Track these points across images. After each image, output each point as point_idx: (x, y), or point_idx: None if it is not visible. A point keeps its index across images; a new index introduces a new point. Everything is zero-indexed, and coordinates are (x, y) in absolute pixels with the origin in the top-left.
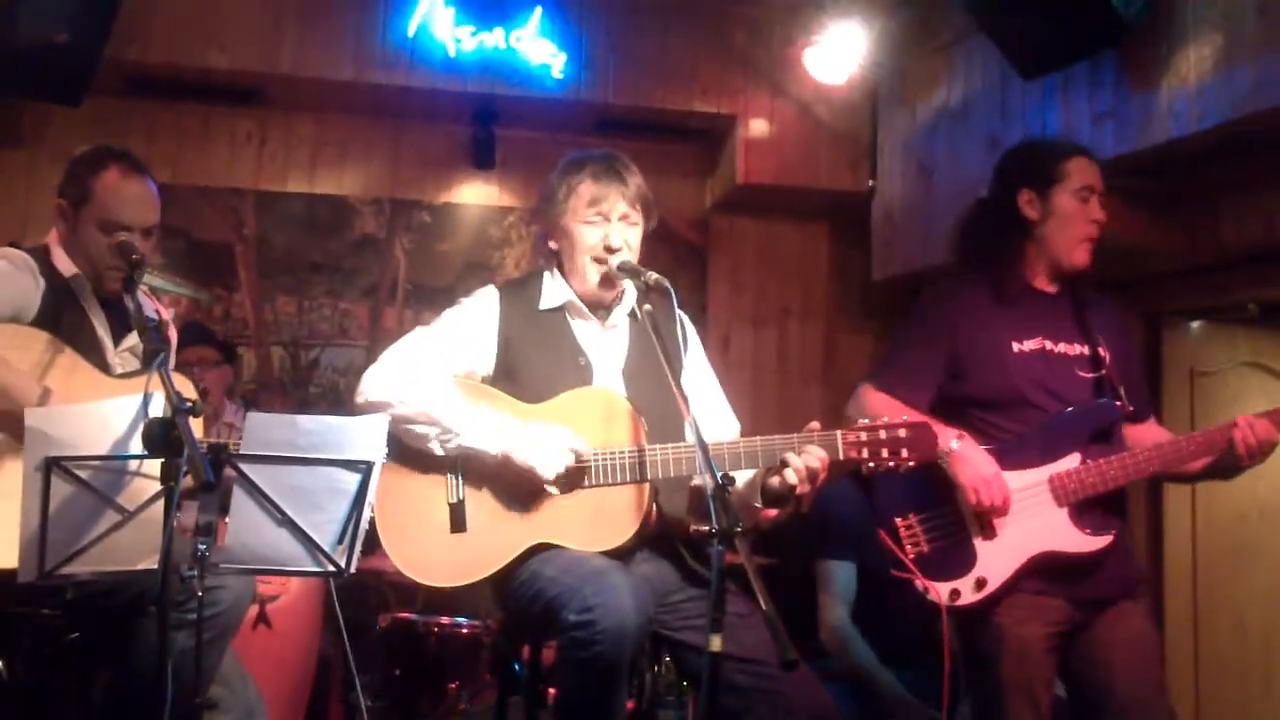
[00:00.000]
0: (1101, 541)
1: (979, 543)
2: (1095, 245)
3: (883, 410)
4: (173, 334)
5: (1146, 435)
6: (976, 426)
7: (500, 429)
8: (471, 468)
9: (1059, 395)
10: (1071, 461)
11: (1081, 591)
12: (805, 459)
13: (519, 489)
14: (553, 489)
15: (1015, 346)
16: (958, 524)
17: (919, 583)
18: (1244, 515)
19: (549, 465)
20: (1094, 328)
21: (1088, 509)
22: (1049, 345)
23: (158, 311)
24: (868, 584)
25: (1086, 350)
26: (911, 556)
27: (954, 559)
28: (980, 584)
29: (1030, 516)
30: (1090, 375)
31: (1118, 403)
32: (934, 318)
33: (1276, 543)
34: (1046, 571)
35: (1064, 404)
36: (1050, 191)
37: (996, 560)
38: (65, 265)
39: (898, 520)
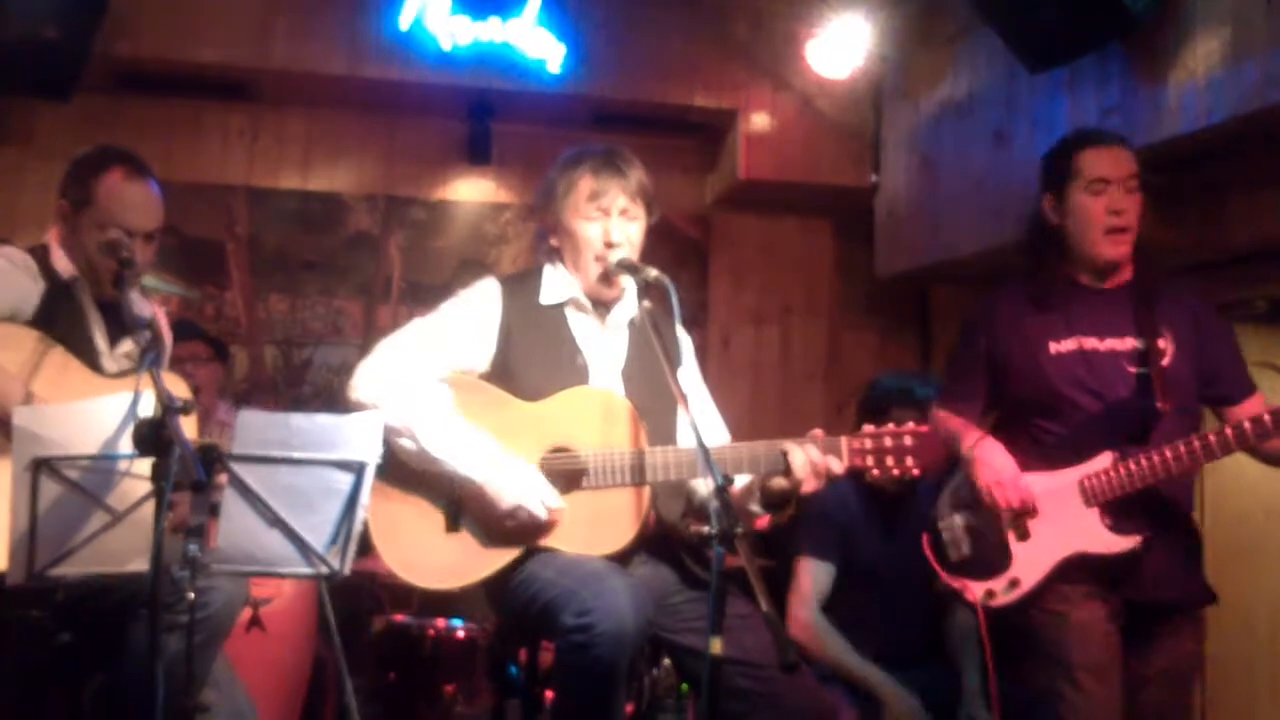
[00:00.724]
0: (1128, 543)
1: (1014, 544)
2: (1124, 234)
3: (938, 423)
4: (167, 334)
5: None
6: (1031, 433)
7: (484, 460)
8: None
9: (1100, 394)
10: (1103, 461)
11: (1127, 594)
12: (810, 453)
13: None
14: (516, 533)
15: (1052, 348)
16: (995, 526)
17: (955, 583)
18: (1250, 516)
19: (518, 512)
20: (1160, 320)
21: (1121, 509)
22: (1091, 343)
23: (157, 315)
24: (856, 586)
25: (1139, 344)
26: (953, 559)
27: (991, 560)
28: (1014, 584)
29: (1062, 517)
30: (1138, 370)
31: (1158, 403)
32: (974, 330)
33: None
34: (1094, 574)
35: (1105, 401)
36: (1065, 192)
37: (1030, 561)
38: (65, 266)
39: (940, 524)
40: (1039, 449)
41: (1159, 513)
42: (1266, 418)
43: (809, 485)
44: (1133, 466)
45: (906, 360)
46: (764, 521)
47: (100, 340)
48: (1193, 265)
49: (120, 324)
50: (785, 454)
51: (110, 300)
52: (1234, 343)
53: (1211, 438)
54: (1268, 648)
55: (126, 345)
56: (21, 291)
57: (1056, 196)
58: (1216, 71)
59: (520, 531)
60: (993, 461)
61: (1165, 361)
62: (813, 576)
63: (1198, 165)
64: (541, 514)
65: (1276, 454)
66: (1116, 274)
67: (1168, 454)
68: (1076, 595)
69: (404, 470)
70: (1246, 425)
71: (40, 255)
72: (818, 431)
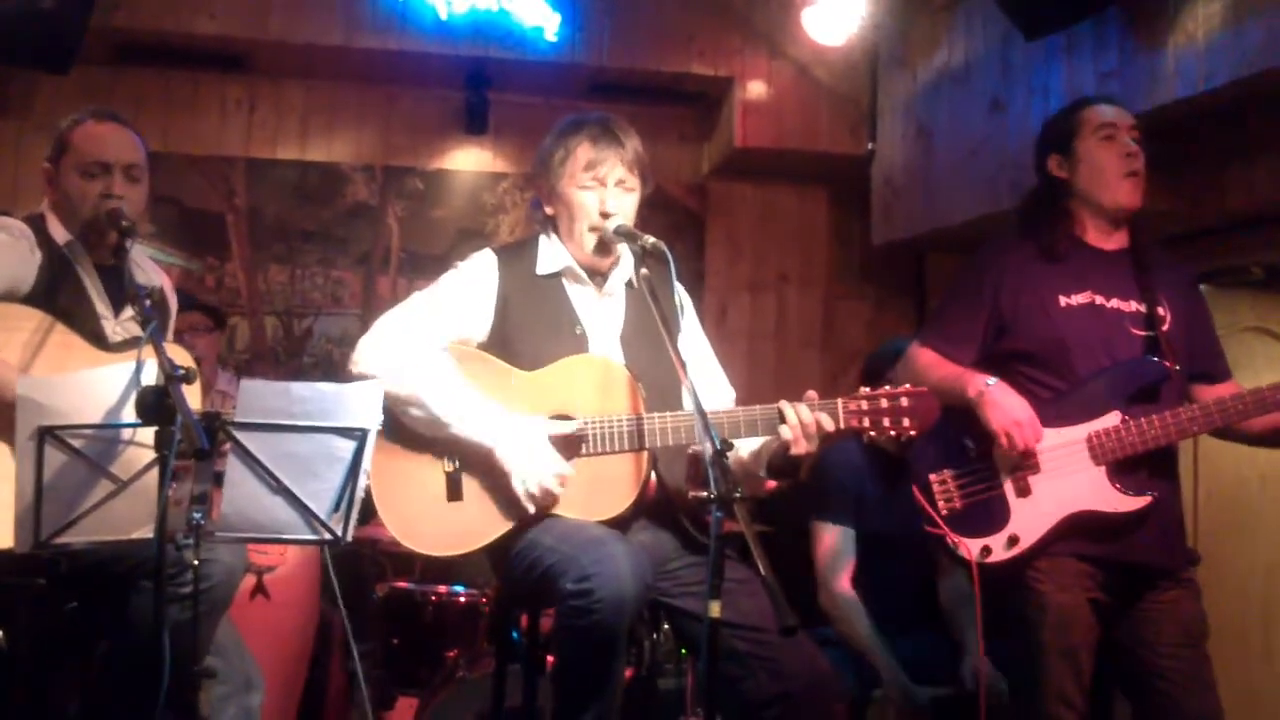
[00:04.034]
0: (1138, 502)
1: (1013, 499)
2: (1138, 180)
3: (926, 365)
4: (172, 301)
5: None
6: (1023, 385)
7: (494, 423)
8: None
9: (1106, 350)
10: (1112, 419)
11: (1122, 555)
12: (800, 412)
13: None
14: (526, 503)
15: (1062, 300)
16: (992, 480)
17: (949, 538)
18: (1245, 483)
19: (530, 481)
20: (1157, 287)
21: (1128, 469)
22: (1099, 300)
23: (161, 279)
24: (867, 551)
25: (1143, 308)
26: (944, 513)
27: (987, 515)
28: (1013, 541)
29: (1066, 475)
30: (1143, 333)
31: (1166, 363)
32: (980, 273)
33: (1278, 511)
34: (1086, 534)
35: (1111, 360)
36: (1072, 146)
37: (1030, 518)
38: (60, 232)
39: (931, 476)
40: (1033, 403)
41: (1161, 474)
42: None
43: (799, 447)
44: (1145, 426)
45: (902, 328)
46: (772, 485)
47: (102, 306)
48: (1189, 232)
49: (123, 289)
50: (780, 414)
51: (110, 265)
52: (1213, 323)
53: (1228, 400)
54: (1261, 613)
55: (131, 310)
56: (21, 262)
57: (1063, 153)
58: (1216, 34)
59: (530, 500)
60: (1006, 403)
61: (1165, 328)
62: (838, 542)
63: (1195, 131)
64: (554, 485)
65: (1257, 433)
66: (1117, 236)
67: (1182, 415)
68: (1062, 574)
69: (406, 439)
70: (1265, 389)
71: (37, 224)
72: (811, 393)
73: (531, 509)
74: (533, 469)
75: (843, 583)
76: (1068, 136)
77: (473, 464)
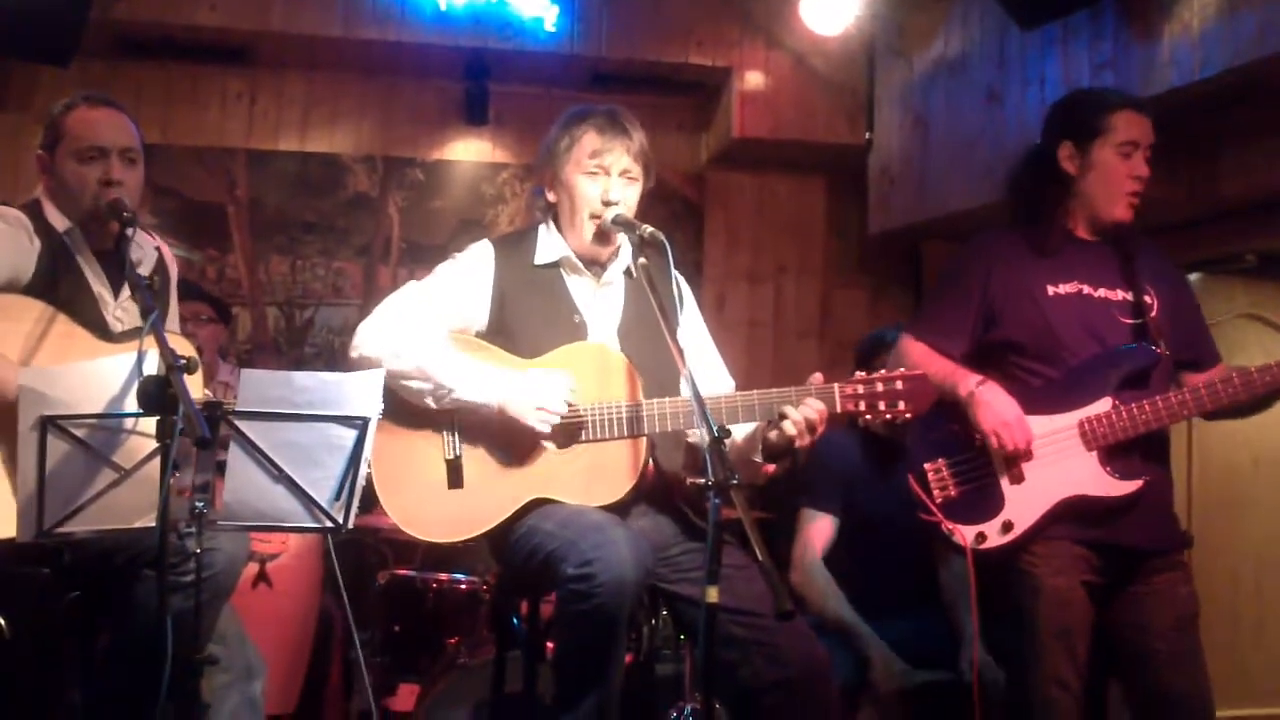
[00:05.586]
0: (1130, 486)
1: (1007, 487)
2: (1137, 199)
3: (918, 359)
4: (172, 266)
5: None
6: (1014, 374)
7: (495, 381)
8: (468, 422)
9: (1096, 338)
10: (1103, 405)
11: (1115, 538)
12: (803, 410)
13: (517, 444)
14: (549, 444)
15: (1050, 290)
16: (986, 468)
17: (944, 526)
18: (1239, 466)
19: (543, 420)
20: (1142, 275)
21: (1120, 454)
22: (1087, 289)
23: (159, 248)
24: (856, 534)
25: (1130, 296)
26: (939, 501)
27: (981, 503)
28: (1007, 527)
29: (1059, 461)
30: (1131, 321)
31: (1155, 348)
32: (968, 266)
33: (1271, 494)
34: (1079, 518)
35: (1101, 347)
36: (1091, 145)
37: (1024, 504)
38: (57, 220)
39: (926, 466)
40: (1024, 391)
41: (1153, 457)
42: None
43: (802, 441)
44: (1135, 410)
45: (899, 317)
46: (770, 469)
47: (104, 291)
48: (1184, 220)
49: (122, 272)
50: (782, 414)
51: (109, 250)
52: (1200, 310)
53: (1218, 384)
54: (1253, 596)
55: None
56: (20, 252)
57: (1078, 147)
58: (1211, 23)
59: (544, 425)
60: (995, 403)
61: (1153, 314)
62: (816, 528)
63: (1190, 119)
64: (560, 404)
65: (1242, 404)
66: (1105, 232)
67: (1173, 399)
68: (1056, 558)
69: (408, 427)
70: (1254, 372)
71: (33, 211)
72: (817, 375)
73: (547, 433)
74: (543, 410)
75: (814, 556)
76: (1090, 134)
77: (479, 434)
